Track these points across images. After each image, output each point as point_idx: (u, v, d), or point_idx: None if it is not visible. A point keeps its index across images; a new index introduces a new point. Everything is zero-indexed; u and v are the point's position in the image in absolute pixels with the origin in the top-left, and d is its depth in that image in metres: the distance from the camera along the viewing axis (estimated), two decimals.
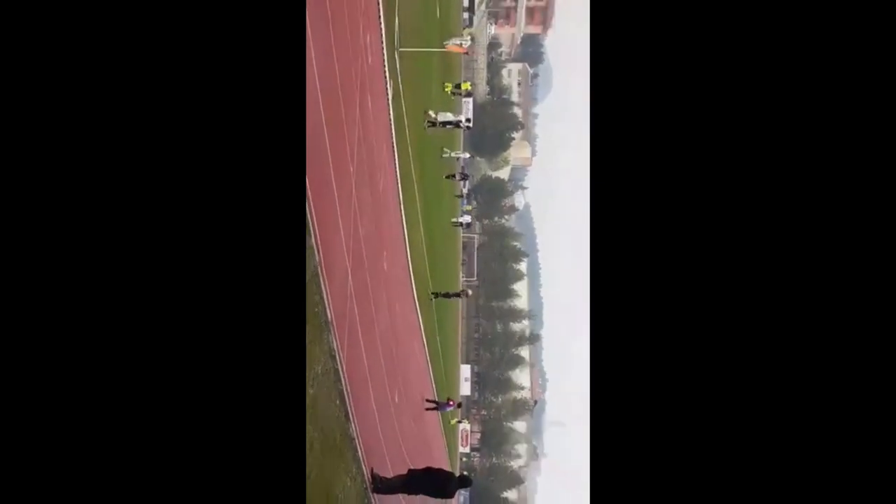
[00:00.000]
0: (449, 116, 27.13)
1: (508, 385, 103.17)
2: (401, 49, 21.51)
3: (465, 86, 32.67)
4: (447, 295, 31.26)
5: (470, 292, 52.20)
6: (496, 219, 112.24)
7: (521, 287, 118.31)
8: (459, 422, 46.53)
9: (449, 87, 31.46)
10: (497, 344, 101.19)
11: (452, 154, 33.89)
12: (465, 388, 58.33)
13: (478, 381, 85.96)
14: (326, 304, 12.53)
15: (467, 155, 38.13)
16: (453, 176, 35.75)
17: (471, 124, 34.04)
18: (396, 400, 20.78)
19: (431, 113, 27.02)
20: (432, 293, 29.24)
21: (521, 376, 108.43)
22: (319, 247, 11.99)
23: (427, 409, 27.04)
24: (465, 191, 43.37)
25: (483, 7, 75.96)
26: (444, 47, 28.40)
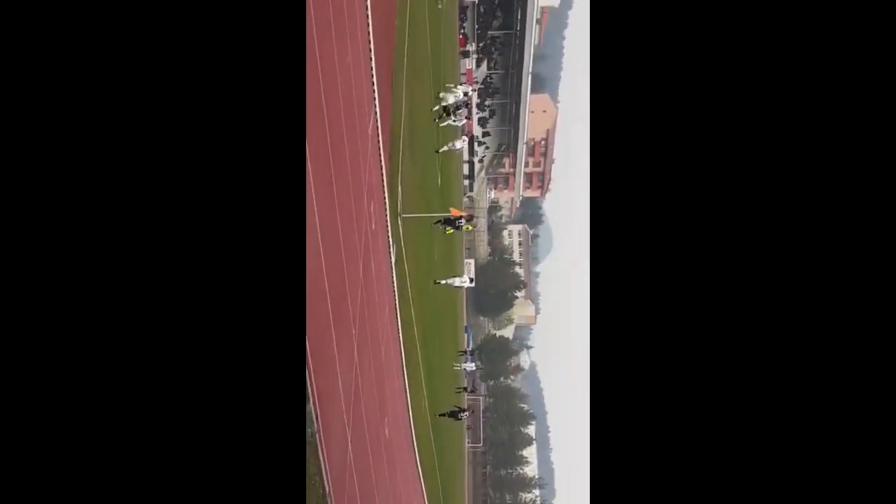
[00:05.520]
0: (456, 282, 30.20)
1: None
2: (403, 215, 22.26)
3: (467, 227, 30.42)
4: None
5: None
6: (502, 379, 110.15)
7: (529, 453, 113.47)
8: None
9: (449, 232, 31.32)
10: None
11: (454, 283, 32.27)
12: None
13: None
14: (325, 475, 11.87)
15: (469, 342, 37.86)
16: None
17: (473, 283, 35.46)
18: None
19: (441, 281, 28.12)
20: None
21: None
22: (318, 414, 11.57)
23: None
24: (468, 347, 43.07)
25: (483, 174, 80.00)
26: (448, 210, 29.63)
